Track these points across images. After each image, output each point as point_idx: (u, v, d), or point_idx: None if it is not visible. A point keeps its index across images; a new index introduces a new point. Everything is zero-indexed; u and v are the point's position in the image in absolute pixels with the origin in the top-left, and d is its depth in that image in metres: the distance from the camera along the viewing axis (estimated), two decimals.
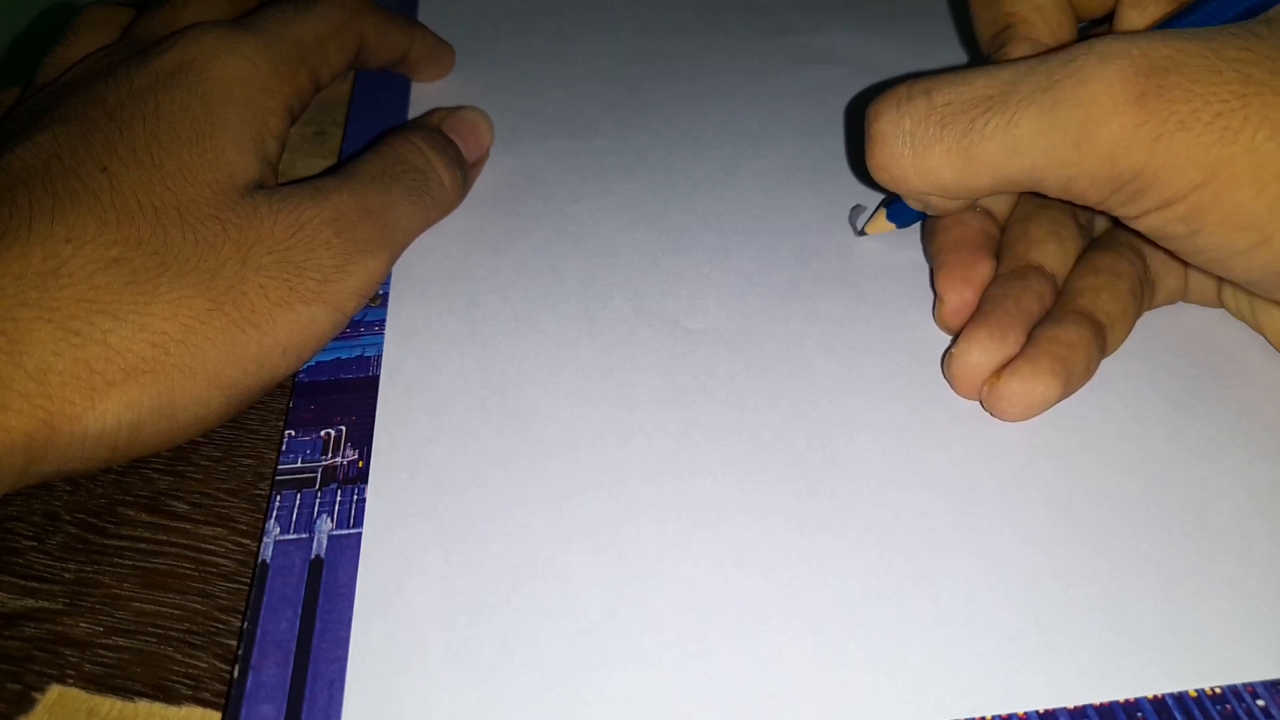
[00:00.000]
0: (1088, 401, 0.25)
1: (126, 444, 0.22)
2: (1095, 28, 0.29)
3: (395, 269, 0.28)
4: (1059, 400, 0.24)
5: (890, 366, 0.26)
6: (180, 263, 0.22)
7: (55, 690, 0.20)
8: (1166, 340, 0.26)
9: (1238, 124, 0.20)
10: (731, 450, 0.23)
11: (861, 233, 0.29)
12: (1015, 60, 0.22)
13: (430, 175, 0.28)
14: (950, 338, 0.26)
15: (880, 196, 0.30)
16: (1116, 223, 0.26)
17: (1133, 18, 0.25)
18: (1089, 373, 0.24)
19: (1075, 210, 0.27)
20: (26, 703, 0.19)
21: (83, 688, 0.20)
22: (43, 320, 0.20)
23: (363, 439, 0.23)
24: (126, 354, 0.21)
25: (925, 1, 0.43)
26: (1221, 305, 0.27)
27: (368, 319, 0.27)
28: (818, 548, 0.21)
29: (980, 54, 0.29)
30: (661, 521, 0.22)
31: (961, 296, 0.25)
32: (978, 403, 0.24)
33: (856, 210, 0.30)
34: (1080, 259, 0.26)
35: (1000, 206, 0.27)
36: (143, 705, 0.19)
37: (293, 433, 0.24)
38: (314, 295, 0.24)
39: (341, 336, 0.26)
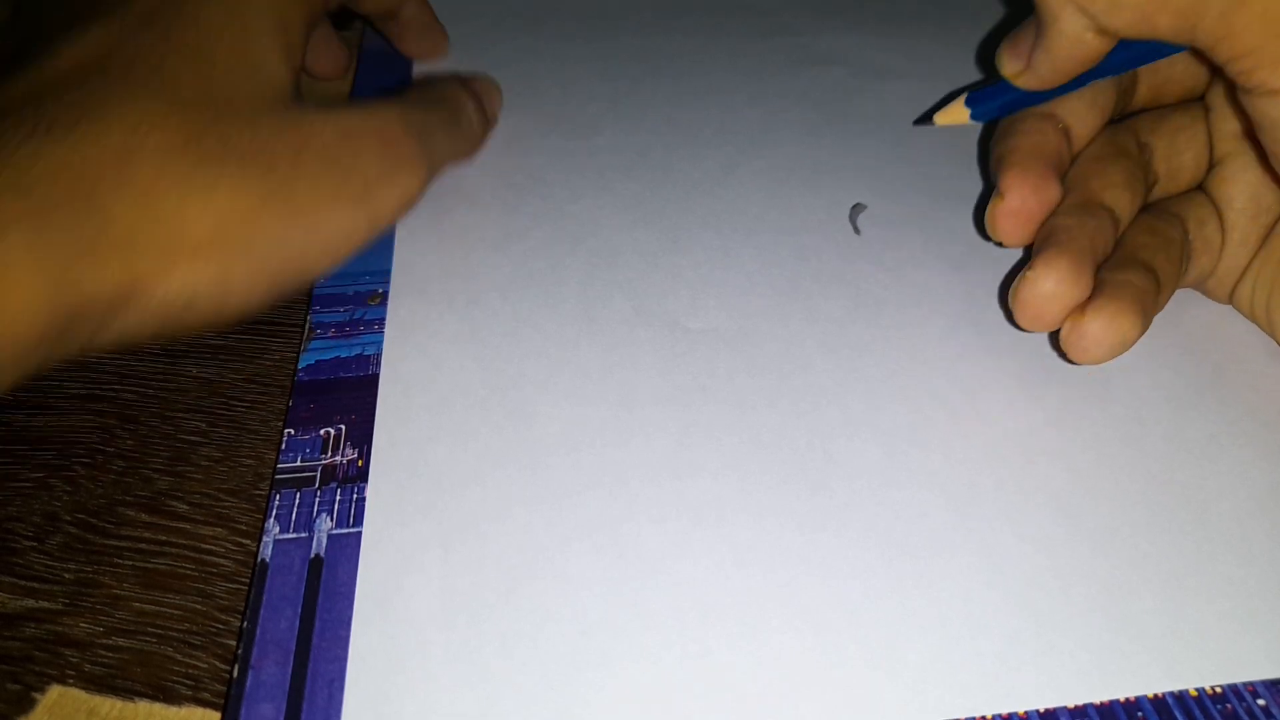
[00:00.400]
0: (1088, 400, 0.25)
1: (178, 317, 0.23)
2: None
3: (395, 268, 0.28)
4: (1134, 343, 0.23)
5: (890, 366, 0.26)
6: (240, 154, 0.23)
7: (55, 690, 0.20)
8: (1167, 339, 0.26)
9: None
10: (731, 450, 0.23)
11: (929, 121, 0.28)
12: None
13: (464, 110, 0.31)
14: (993, 243, 0.25)
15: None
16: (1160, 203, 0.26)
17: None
18: (1147, 326, 0.24)
19: (1148, 168, 0.27)
20: (26, 703, 0.19)
21: (83, 688, 0.20)
22: (126, 192, 0.22)
23: (362, 438, 0.23)
24: (194, 231, 0.22)
25: (925, 2, 0.43)
26: (1232, 303, 0.27)
27: (367, 317, 0.27)
28: (818, 547, 0.21)
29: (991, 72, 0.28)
30: (661, 521, 0.22)
31: (1025, 201, 0.24)
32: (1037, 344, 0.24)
33: (856, 209, 0.30)
34: (1136, 218, 0.26)
35: (1081, 129, 0.26)
36: (143, 705, 0.19)
37: (292, 432, 0.24)
38: (357, 199, 0.25)
39: (341, 335, 0.26)
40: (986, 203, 0.26)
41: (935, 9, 0.42)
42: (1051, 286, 0.23)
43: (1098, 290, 0.23)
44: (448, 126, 0.29)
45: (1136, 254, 0.24)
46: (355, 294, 0.27)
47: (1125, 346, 0.23)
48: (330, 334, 0.26)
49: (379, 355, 0.26)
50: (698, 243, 0.29)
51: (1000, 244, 0.25)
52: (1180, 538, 0.22)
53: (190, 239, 0.22)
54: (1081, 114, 0.26)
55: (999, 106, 0.27)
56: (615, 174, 0.32)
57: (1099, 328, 0.23)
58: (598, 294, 0.28)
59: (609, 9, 0.42)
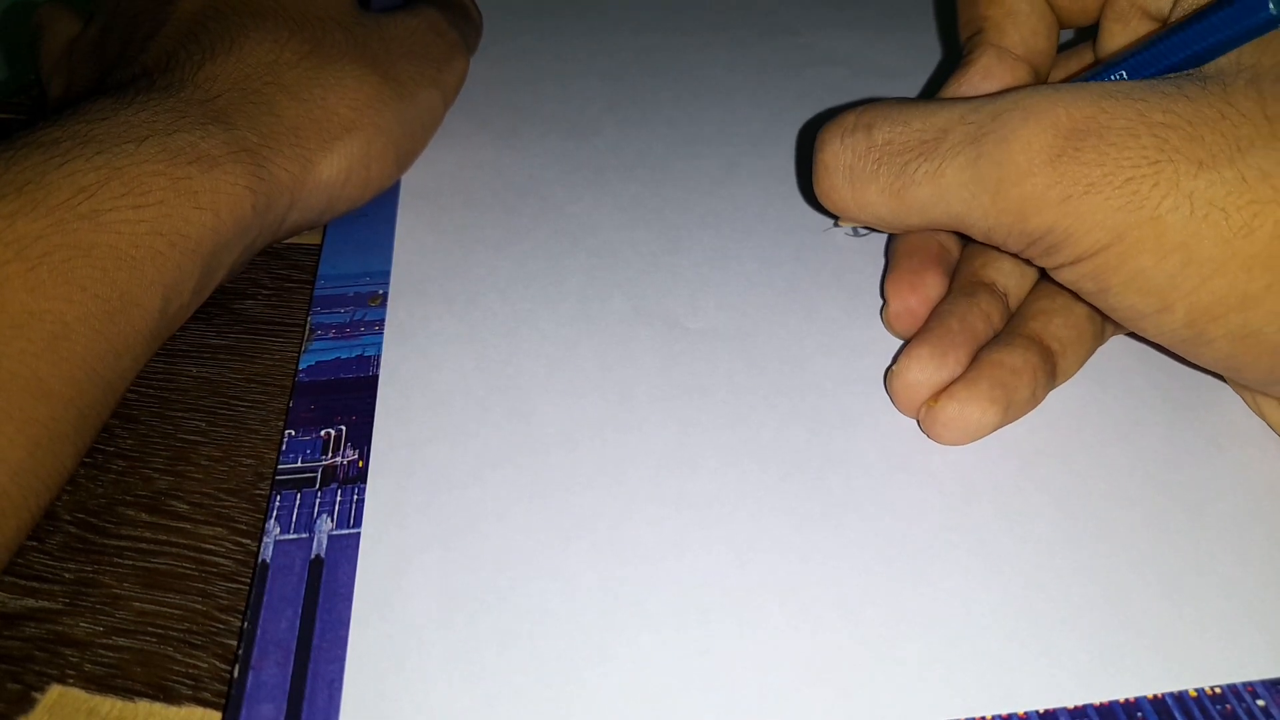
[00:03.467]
0: (1087, 400, 0.25)
1: (337, 192, 0.28)
2: (1082, 36, 0.28)
3: (395, 270, 0.28)
4: (997, 427, 0.23)
5: (888, 365, 0.26)
6: (350, 54, 0.29)
7: (55, 690, 0.20)
8: None
9: (1145, 190, 0.19)
10: (730, 449, 0.23)
11: (836, 224, 0.30)
12: (951, 103, 0.23)
13: (470, 7, 0.37)
14: (918, 424, 0.25)
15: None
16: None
17: (1115, 31, 0.25)
18: (1034, 400, 0.24)
19: None
20: (27, 703, 0.19)
21: (83, 688, 0.20)
22: (282, 93, 0.27)
23: (362, 438, 0.23)
24: (337, 115, 0.27)
25: (925, 3, 0.43)
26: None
27: (367, 319, 0.27)
28: (817, 547, 0.21)
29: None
30: (660, 521, 0.22)
31: (905, 303, 0.25)
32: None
33: None
34: (1039, 281, 0.26)
35: None
36: (143, 705, 0.19)
37: (293, 432, 0.24)
38: (433, 80, 0.32)
39: (341, 336, 0.26)
40: None
41: (935, 9, 0.42)
42: (915, 375, 0.24)
43: (965, 373, 0.23)
44: (465, 20, 0.36)
45: (1026, 325, 0.25)
46: (355, 295, 0.28)
47: (982, 430, 0.23)
48: (331, 335, 0.26)
49: (379, 356, 0.26)
50: (697, 243, 0.29)
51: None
52: (1179, 538, 0.22)
53: (338, 121, 0.27)
54: None
55: None
56: (615, 174, 0.32)
57: (950, 413, 0.23)
58: (597, 294, 0.28)
59: (609, 9, 0.42)
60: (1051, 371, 0.24)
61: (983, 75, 0.26)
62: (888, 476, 0.23)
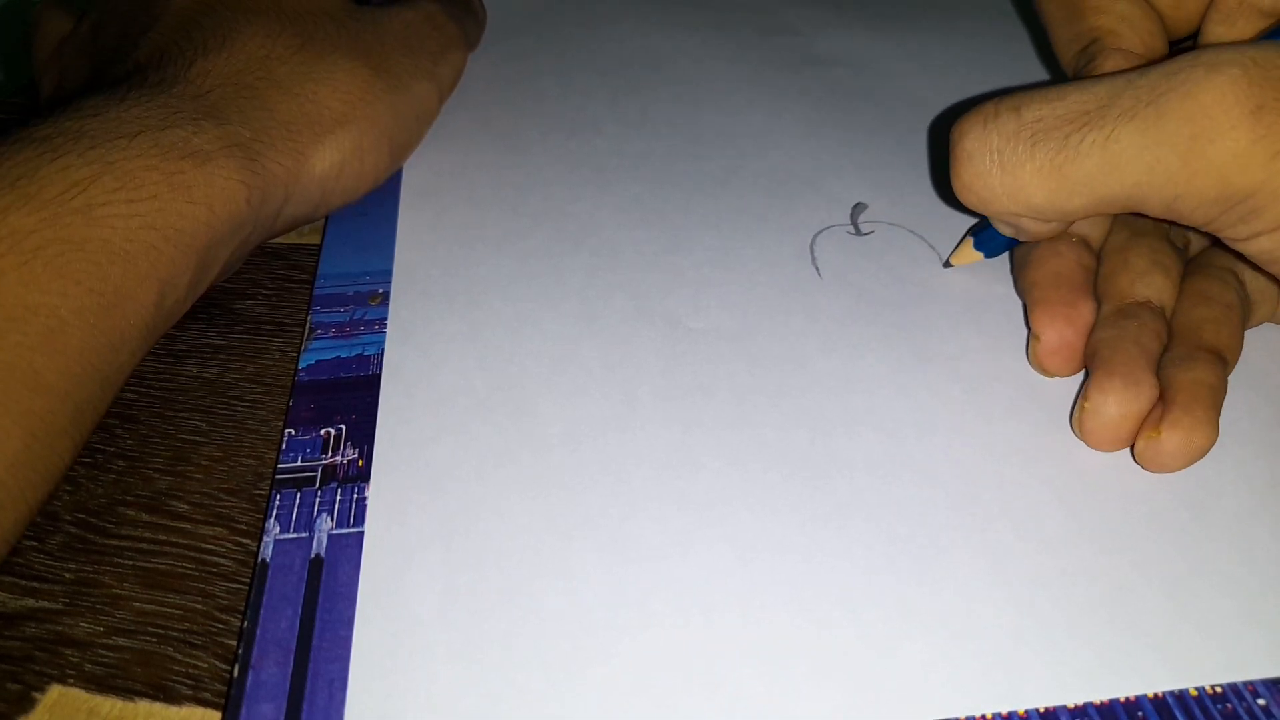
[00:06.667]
0: None
1: (331, 185, 0.28)
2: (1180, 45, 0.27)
3: (396, 269, 0.28)
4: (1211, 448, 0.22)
5: (892, 364, 0.26)
6: (343, 45, 0.29)
7: (55, 690, 0.19)
8: None
9: None
10: (732, 449, 0.23)
11: (947, 264, 0.28)
12: (1110, 75, 0.21)
13: (472, 3, 0.37)
14: (1045, 378, 0.25)
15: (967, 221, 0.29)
16: (1215, 242, 0.25)
17: (1221, 34, 0.24)
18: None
19: (1172, 233, 0.26)
20: (27, 703, 0.19)
21: (83, 688, 0.20)
22: (274, 88, 0.27)
23: (363, 438, 0.23)
24: (330, 109, 0.27)
25: (925, 2, 0.43)
26: None
27: (368, 317, 0.27)
28: (819, 546, 0.21)
29: (1062, 73, 0.27)
30: (663, 520, 0.22)
31: (1062, 335, 0.24)
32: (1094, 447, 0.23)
33: (857, 209, 0.30)
34: (1184, 286, 0.25)
35: (1095, 232, 0.26)
36: (143, 705, 0.19)
37: (293, 432, 0.24)
38: (429, 73, 0.32)
39: (341, 335, 0.26)
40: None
41: (936, 8, 0.42)
42: (1114, 410, 0.22)
43: (1170, 397, 0.22)
44: (467, 14, 0.36)
45: (1198, 337, 0.23)
46: (356, 294, 0.27)
47: (1205, 452, 0.22)
48: (331, 334, 0.26)
49: (380, 355, 0.26)
50: (699, 242, 0.29)
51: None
52: (1181, 537, 0.22)
53: (330, 115, 0.27)
54: (1091, 220, 0.25)
55: (1007, 240, 0.26)
56: (617, 173, 0.32)
57: (1177, 443, 0.22)
58: (599, 293, 0.28)
59: (610, 8, 0.42)
60: (1227, 378, 0.23)
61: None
62: (890, 476, 0.23)
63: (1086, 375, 0.24)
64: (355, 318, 0.27)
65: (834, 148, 0.33)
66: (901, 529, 0.22)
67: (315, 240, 0.31)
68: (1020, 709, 0.19)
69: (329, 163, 0.27)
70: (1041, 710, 0.19)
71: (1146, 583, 0.21)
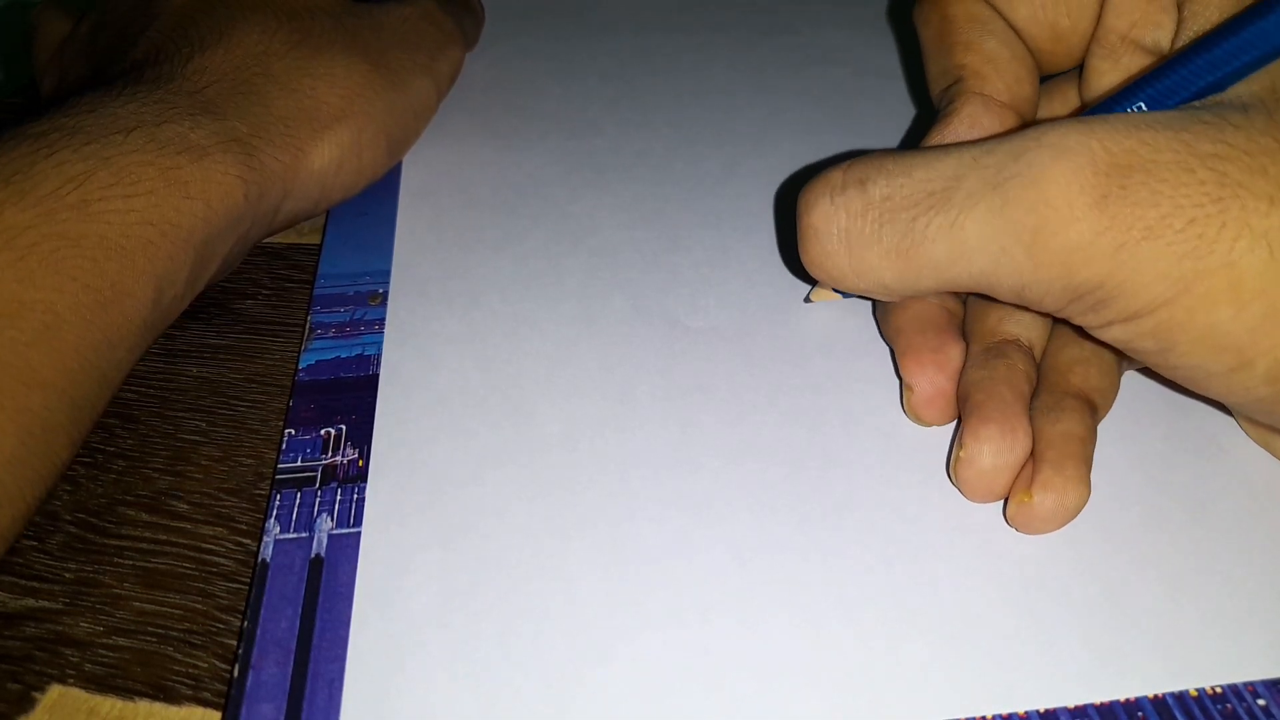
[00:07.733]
0: None
1: (330, 180, 0.28)
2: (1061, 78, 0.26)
3: (395, 269, 0.28)
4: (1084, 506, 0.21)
5: (889, 365, 0.26)
6: (340, 41, 0.29)
7: (55, 690, 0.19)
8: None
9: (1213, 232, 0.17)
10: (731, 448, 0.23)
11: (808, 299, 0.27)
12: (958, 147, 0.20)
13: (470, 1, 0.38)
14: (919, 427, 0.24)
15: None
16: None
17: (1104, 69, 0.23)
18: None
19: None
20: (27, 703, 0.19)
21: (83, 687, 0.20)
22: (271, 83, 0.27)
23: (362, 438, 0.23)
24: (327, 104, 0.28)
25: None
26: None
27: (367, 318, 0.27)
28: (818, 546, 0.21)
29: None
30: (661, 519, 0.22)
31: (934, 383, 0.23)
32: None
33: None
34: (1056, 325, 0.24)
35: None
36: (143, 705, 0.19)
37: (292, 432, 0.24)
38: (426, 69, 0.32)
39: (341, 335, 0.26)
40: None
41: None
42: (989, 461, 0.21)
43: (1039, 453, 0.21)
44: (465, 11, 0.36)
45: (1066, 381, 0.22)
46: (355, 294, 0.27)
47: (1077, 513, 0.21)
48: (330, 334, 0.26)
49: (379, 355, 0.26)
50: (698, 242, 0.29)
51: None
52: (1180, 537, 0.22)
53: (327, 110, 0.27)
54: None
55: None
56: (615, 173, 0.32)
57: (1049, 507, 0.21)
58: (598, 293, 0.28)
59: (609, 8, 0.42)
60: (1097, 423, 0.23)
61: (969, 125, 0.24)
62: (888, 475, 0.23)
63: (959, 420, 0.23)
64: (355, 318, 0.27)
65: (834, 148, 0.33)
66: (900, 528, 0.22)
67: (315, 240, 0.31)
68: (1020, 709, 0.19)
69: (327, 158, 0.27)
70: (1041, 711, 0.19)
71: (1145, 583, 0.21)
